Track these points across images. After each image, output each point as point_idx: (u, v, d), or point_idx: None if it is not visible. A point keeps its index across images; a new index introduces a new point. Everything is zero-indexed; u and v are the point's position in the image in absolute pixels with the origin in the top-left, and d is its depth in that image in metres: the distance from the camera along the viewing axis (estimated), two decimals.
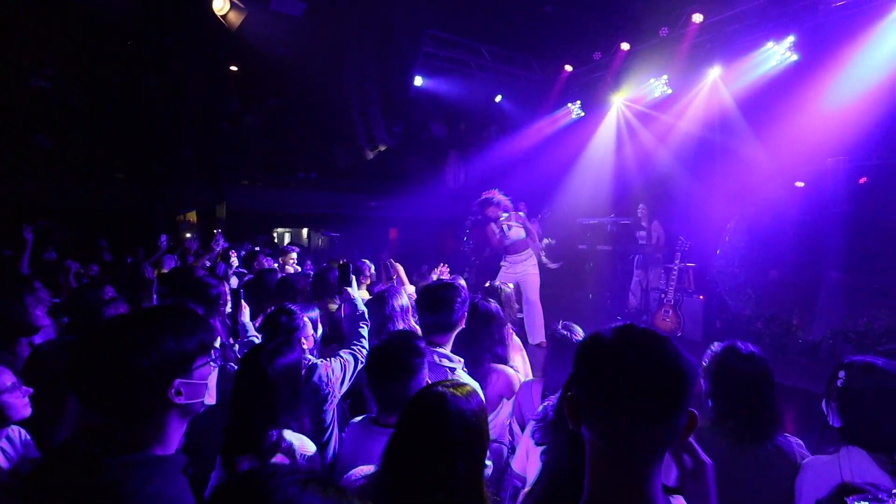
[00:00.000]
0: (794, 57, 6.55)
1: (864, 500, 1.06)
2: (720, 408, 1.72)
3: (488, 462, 1.39)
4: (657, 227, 7.08)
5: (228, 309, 3.13)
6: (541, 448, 1.53)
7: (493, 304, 2.55)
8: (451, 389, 1.29)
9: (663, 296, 6.05)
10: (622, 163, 8.50)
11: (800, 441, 1.72)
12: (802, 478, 1.63)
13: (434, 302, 2.18)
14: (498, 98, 9.08)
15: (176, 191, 8.04)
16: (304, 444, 1.56)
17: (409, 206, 9.20)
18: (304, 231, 11.06)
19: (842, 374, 1.64)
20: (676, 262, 5.95)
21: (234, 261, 5.08)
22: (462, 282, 3.82)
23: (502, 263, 5.79)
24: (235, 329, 2.97)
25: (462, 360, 2.12)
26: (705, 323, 5.96)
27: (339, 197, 8.76)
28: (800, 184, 6.68)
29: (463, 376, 2.03)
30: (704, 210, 7.11)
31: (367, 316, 2.61)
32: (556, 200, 8.56)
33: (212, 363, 1.20)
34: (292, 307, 2.41)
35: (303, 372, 1.72)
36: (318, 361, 2.21)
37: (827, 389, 1.68)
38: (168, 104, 8.16)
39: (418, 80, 8.20)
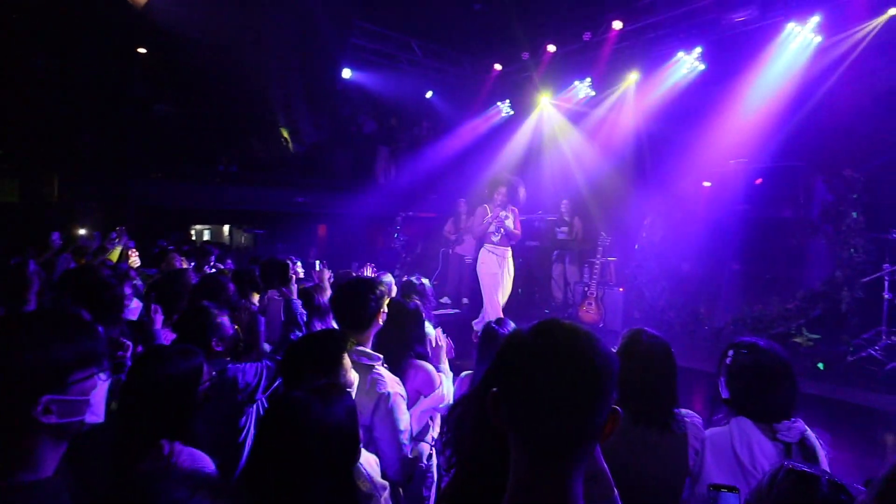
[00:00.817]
0: (702, 66, 7.09)
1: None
2: (623, 390, 1.77)
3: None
4: (578, 223, 7.40)
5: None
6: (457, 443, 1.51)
7: (414, 301, 2.54)
8: (313, 394, 1.22)
9: (586, 289, 6.32)
10: (548, 161, 8.79)
11: (698, 418, 1.83)
12: (704, 452, 1.75)
13: (347, 299, 2.14)
14: (429, 94, 9.05)
15: (72, 182, 7.24)
16: (197, 460, 1.41)
17: (338, 202, 8.93)
18: (226, 228, 10.42)
19: (730, 352, 1.81)
20: (599, 256, 6.23)
21: (135, 260, 4.65)
22: (390, 279, 3.75)
23: (486, 247, 5.61)
24: (147, 335, 2.70)
25: (381, 357, 2.07)
26: (625, 313, 6.31)
27: (262, 192, 8.29)
28: (707, 183, 7.21)
29: (383, 373, 2.00)
30: (624, 207, 7.52)
31: (303, 320, 2.52)
32: (487, 197, 8.67)
33: (100, 376, 1.05)
34: (209, 305, 2.24)
35: (208, 377, 1.56)
36: (234, 365, 2.09)
37: (718, 366, 1.85)
38: (62, 85, 7.32)
39: (347, 73, 7.98)
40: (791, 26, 6.12)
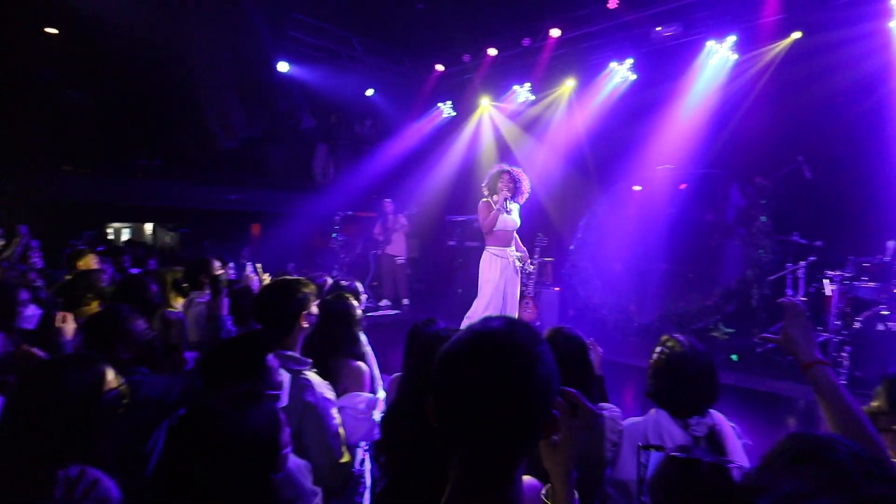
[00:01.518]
0: (634, 77, 7.46)
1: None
2: None
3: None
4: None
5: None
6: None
7: (346, 302, 2.47)
8: (229, 402, 1.15)
9: (523, 288, 6.46)
10: (489, 163, 8.91)
11: (617, 411, 1.91)
12: (621, 443, 1.84)
13: (267, 301, 2.06)
14: (370, 92, 8.92)
15: None
16: (101, 488, 1.27)
17: (273, 201, 8.58)
18: (148, 226, 9.70)
19: (658, 349, 1.91)
20: (536, 257, 6.38)
21: (37, 261, 4.23)
22: (329, 280, 3.63)
23: (490, 250, 4.92)
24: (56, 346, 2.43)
25: (310, 361, 2.00)
26: (561, 312, 6.52)
27: (190, 188, 7.75)
28: (637, 188, 7.59)
29: (311, 378, 1.93)
30: (561, 209, 7.78)
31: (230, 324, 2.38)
32: (428, 198, 8.68)
33: None
34: (121, 308, 2.06)
35: (111, 390, 1.41)
36: (142, 377, 1.94)
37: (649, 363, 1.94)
38: None
39: (283, 66, 7.68)
40: (711, 44, 6.58)
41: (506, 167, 4.91)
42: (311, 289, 2.13)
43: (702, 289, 6.58)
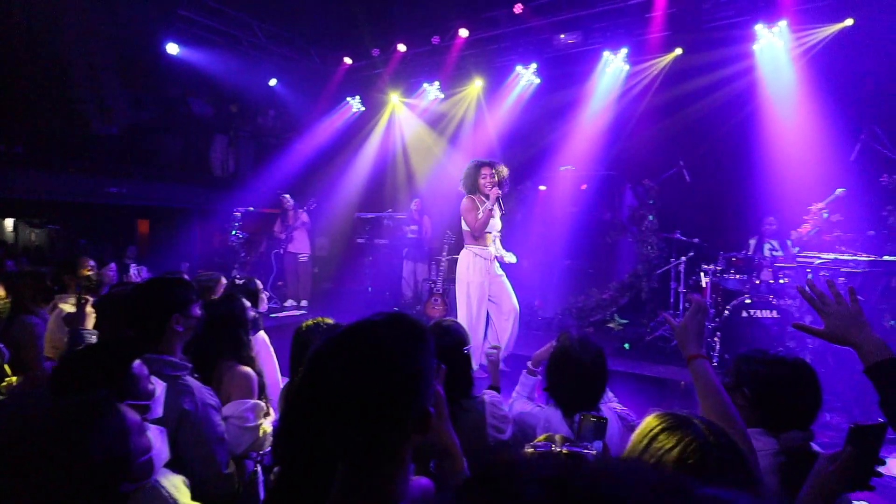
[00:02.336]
0: (538, 81, 7.77)
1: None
2: None
3: None
4: (427, 222, 7.58)
5: None
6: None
7: (233, 303, 2.31)
8: (67, 413, 1.03)
9: (433, 286, 6.48)
10: (399, 160, 8.87)
11: (497, 397, 1.98)
12: (509, 426, 1.92)
13: (133, 302, 1.89)
14: (273, 82, 8.45)
15: None
16: None
17: (164, 194, 7.83)
18: (8, 222, 8.40)
19: (554, 345, 2.00)
20: (444, 254, 6.42)
21: None
22: (223, 280, 3.37)
23: (471, 249, 4.55)
24: None
25: (189, 366, 1.85)
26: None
27: (61, 179, 6.76)
28: (542, 187, 7.92)
29: (191, 383, 1.79)
30: None
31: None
32: (336, 194, 8.43)
33: None
34: None
35: None
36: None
37: None
38: None
39: (173, 48, 7.01)
40: (607, 54, 7.03)
41: (484, 161, 4.56)
42: (187, 289, 1.94)
43: (599, 283, 7.03)
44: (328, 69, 8.41)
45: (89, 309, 2.59)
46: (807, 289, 1.43)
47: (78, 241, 6.38)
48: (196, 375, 1.90)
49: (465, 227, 4.61)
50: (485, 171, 4.50)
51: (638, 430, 1.04)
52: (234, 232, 7.22)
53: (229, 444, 1.87)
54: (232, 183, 8.71)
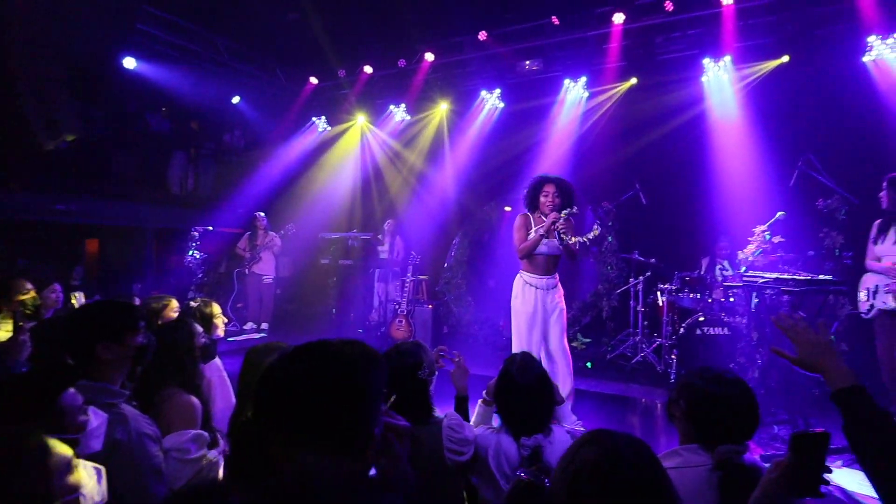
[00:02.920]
0: (502, 105, 7.97)
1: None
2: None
3: None
4: (399, 243, 7.56)
5: None
6: None
7: (178, 328, 2.24)
8: None
9: (397, 306, 6.45)
10: (365, 180, 8.86)
11: (456, 420, 1.98)
12: (469, 449, 1.92)
13: (65, 330, 1.88)
14: (236, 99, 8.32)
15: None
16: None
17: (115, 212, 7.49)
18: None
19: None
20: (409, 274, 6.42)
21: None
22: (174, 303, 3.22)
23: (522, 275, 4.09)
24: None
25: (126, 393, 1.79)
26: (434, 328, 6.60)
27: (2, 196, 6.39)
28: (507, 208, 8.06)
29: (127, 412, 1.72)
30: (437, 227, 7.95)
31: None
32: (300, 214, 8.31)
33: None
34: None
35: None
36: None
37: None
38: None
39: (130, 63, 6.83)
40: (567, 81, 7.30)
41: (550, 177, 4.08)
42: (121, 315, 1.85)
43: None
44: (294, 88, 8.37)
45: (25, 337, 2.42)
46: (780, 319, 1.48)
47: (16, 261, 5.99)
48: (134, 403, 1.83)
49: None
50: (548, 188, 3.98)
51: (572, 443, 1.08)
52: (191, 252, 6.98)
53: (169, 476, 1.78)
54: (191, 201, 8.45)
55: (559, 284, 4.11)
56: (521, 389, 1.92)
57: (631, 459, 0.95)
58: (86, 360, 1.73)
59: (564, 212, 3.86)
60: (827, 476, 1.28)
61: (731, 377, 1.64)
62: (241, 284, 7.40)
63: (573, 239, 3.86)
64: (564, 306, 4.08)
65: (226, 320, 3.26)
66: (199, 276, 6.97)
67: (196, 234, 7.16)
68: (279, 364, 0.89)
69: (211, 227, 7.41)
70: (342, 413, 0.85)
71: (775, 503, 1.26)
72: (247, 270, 7.17)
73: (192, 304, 3.12)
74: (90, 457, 1.43)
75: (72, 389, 1.44)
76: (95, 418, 1.53)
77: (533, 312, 3.97)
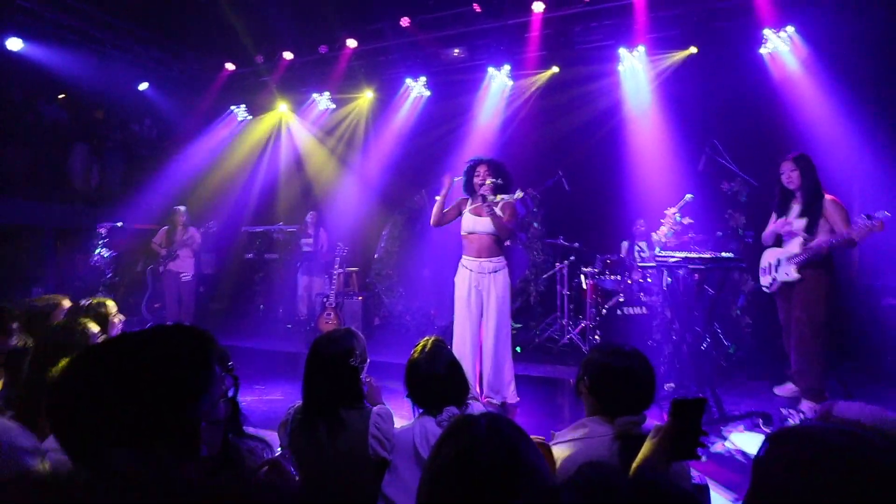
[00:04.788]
0: (428, 93, 7.90)
1: None
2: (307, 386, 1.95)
3: None
4: (323, 235, 7.35)
5: None
6: None
7: (78, 331, 2.07)
8: None
9: (325, 300, 6.29)
10: (289, 170, 8.55)
11: (384, 409, 1.97)
12: (393, 448, 1.89)
13: None
14: (143, 86, 7.72)
15: None
16: None
17: (9, 211, 6.81)
18: None
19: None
20: (336, 266, 6.27)
21: None
22: (65, 304, 3.01)
23: (463, 259, 4.08)
24: None
25: None
26: (364, 320, 6.50)
27: None
28: (438, 197, 8.00)
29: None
30: (365, 218, 7.80)
31: None
32: (221, 207, 7.90)
33: None
34: None
35: None
36: None
37: None
38: None
39: (15, 44, 6.15)
40: (492, 70, 7.33)
41: (481, 158, 4.11)
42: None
43: None
44: (207, 74, 7.87)
45: None
46: None
47: None
48: (10, 414, 1.69)
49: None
50: (479, 168, 4.00)
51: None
52: (97, 250, 6.47)
53: None
54: (96, 197, 7.82)
55: (503, 270, 3.99)
56: (430, 378, 1.94)
57: (490, 451, 0.92)
58: None
59: (489, 180, 3.88)
60: (704, 439, 1.35)
61: (628, 350, 1.70)
62: (157, 283, 6.93)
63: (497, 198, 3.83)
64: (505, 293, 3.94)
65: (122, 318, 3.05)
66: (109, 275, 6.47)
67: (103, 231, 6.63)
68: (80, 359, 0.85)
69: (120, 224, 6.89)
70: (149, 403, 0.81)
71: (656, 466, 1.30)
72: (161, 268, 6.71)
73: (83, 302, 2.92)
74: None
75: None
76: None
77: (466, 296, 3.93)
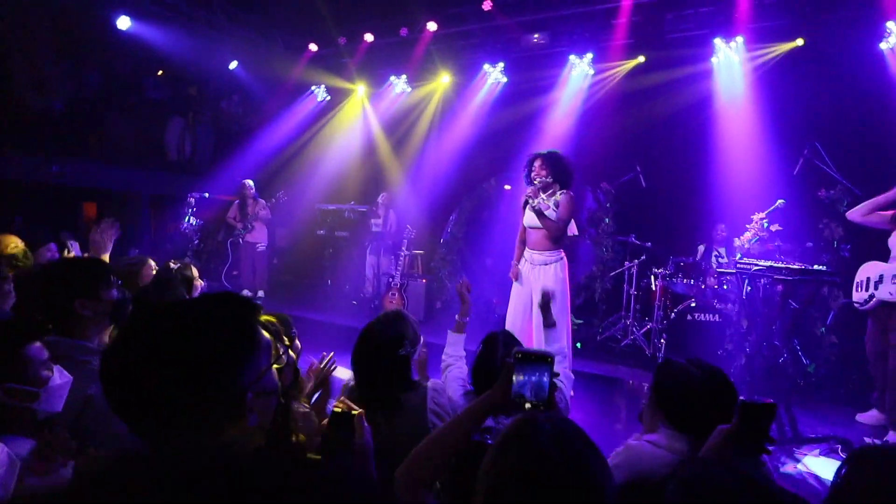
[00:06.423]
0: (505, 79, 7.77)
1: None
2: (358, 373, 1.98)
3: None
4: (392, 216, 7.52)
5: None
6: None
7: (173, 291, 2.25)
8: None
9: (391, 279, 6.46)
10: (363, 151, 8.75)
11: (440, 385, 2.03)
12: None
13: (38, 285, 1.87)
14: (233, 65, 8.13)
15: None
16: None
17: (113, 176, 7.46)
18: None
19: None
20: (403, 248, 6.40)
21: None
22: (151, 264, 3.20)
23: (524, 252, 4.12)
24: None
25: (102, 350, 1.83)
26: (427, 303, 6.63)
27: None
28: (507, 186, 7.97)
29: None
30: (434, 202, 7.89)
31: None
32: (298, 184, 8.26)
33: None
34: None
35: None
36: None
37: None
38: None
39: (125, 22, 6.65)
40: (573, 58, 7.10)
41: (540, 152, 4.12)
42: (96, 271, 1.87)
43: None
44: (292, 55, 8.16)
45: (10, 287, 2.44)
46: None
47: (13, 218, 5.97)
48: None
49: None
50: (536, 162, 4.02)
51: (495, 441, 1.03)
52: (187, 218, 6.98)
53: None
54: (188, 168, 8.40)
55: (554, 263, 3.95)
56: (495, 363, 1.91)
57: (557, 468, 0.87)
58: (64, 317, 1.74)
59: (538, 179, 3.92)
60: (770, 447, 1.30)
61: (708, 367, 1.60)
62: (235, 253, 7.41)
63: (534, 201, 3.90)
64: (556, 286, 3.78)
65: (203, 283, 3.26)
66: (196, 242, 6.98)
67: (192, 200, 7.14)
68: (133, 327, 0.87)
69: (207, 194, 7.38)
70: (199, 373, 0.81)
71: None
72: (241, 240, 7.15)
73: (172, 265, 3.13)
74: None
75: (38, 343, 1.44)
76: (60, 377, 1.50)
77: (519, 286, 4.04)
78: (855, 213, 4.04)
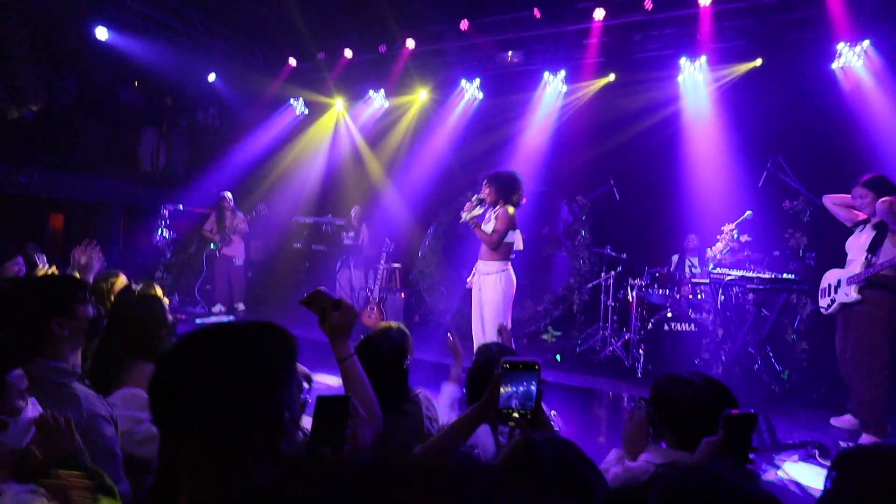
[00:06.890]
0: (481, 95, 7.94)
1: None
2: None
3: None
4: (364, 230, 7.51)
5: None
6: None
7: (159, 303, 2.19)
8: None
9: (369, 293, 6.41)
10: (339, 165, 8.77)
11: (428, 396, 2.10)
12: None
13: (9, 303, 1.76)
14: (211, 77, 8.11)
15: None
16: None
17: (82, 186, 7.26)
18: None
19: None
20: (382, 262, 6.38)
21: None
22: (122, 278, 3.12)
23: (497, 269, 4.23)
24: None
25: (78, 371, 1.82)
26: (406, 317, 6.58)
27: None
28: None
29: (79, 391, 1.73)
30: (412, 216, 7.91)
31: None
32: (275, 197, 8.18)
33: None
34: None
35: None
36: None
37: None
38: None
39: (102, 33, 6.59)
40: (547, 75, 7.31)
41: (487, 173, 4.38)
42: (71, 287, 1.80)
43: (535, 295, 7.19)
44: (271, 69, 8.18)
45: None
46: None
47: None
48: (86, 383, 1.77)
49: None
50: (483, 182, 4.35)
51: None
52: (160, 231, 6.82)
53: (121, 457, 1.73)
54: (162, 179, 8.24)
55: (495, 274, 4.15)
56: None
57: (562, 485, 0.90)
58: (39, 336, 1.67)
59: (475, 196, 4.31)
60: (752, 455, 1.34)
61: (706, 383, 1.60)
62: (210, 266, 7.25)
63: (466, 215, 4.27)
64: (495, 297, 4.09)
65: (168, 301, 3.18)
66: (168, 255, 6.81)
67: (166, 212, 6.99)
68: (178, 348, 0.88)
69: (181, 206, 7.24)
70: (241, 394, 0.83)
71: None
72: (217, 253, 7.01)
73: (134, 286, 3.05)
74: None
75: (19, 371, 1.40)
76: (33, 409, 1.46)
77: (475, 295, 4.32)
78: (828, 199, 4.22)
